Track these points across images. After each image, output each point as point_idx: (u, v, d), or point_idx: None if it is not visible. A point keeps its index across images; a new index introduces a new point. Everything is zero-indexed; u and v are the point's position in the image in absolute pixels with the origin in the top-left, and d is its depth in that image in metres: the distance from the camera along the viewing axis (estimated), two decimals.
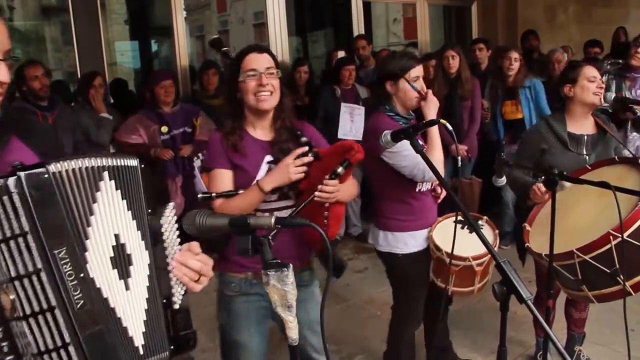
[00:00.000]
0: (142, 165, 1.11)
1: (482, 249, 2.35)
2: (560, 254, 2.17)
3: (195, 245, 1.22)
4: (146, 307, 1.09)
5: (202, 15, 11.02)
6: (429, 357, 2.84)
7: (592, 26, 6.92)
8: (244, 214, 1.07)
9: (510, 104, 4.55)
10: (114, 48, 8.59)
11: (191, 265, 1.18)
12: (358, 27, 6.59)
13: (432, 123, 1.99)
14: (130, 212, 1.08)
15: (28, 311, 0.94)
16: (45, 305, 0.95)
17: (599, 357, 3.00)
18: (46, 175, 0.95)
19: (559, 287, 2.47)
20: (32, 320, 0.94)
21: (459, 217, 2.44)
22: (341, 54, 5.51)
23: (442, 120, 1.77)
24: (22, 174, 0.93)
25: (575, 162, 2.58)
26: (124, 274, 1.06)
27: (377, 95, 2.52)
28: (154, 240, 1.12)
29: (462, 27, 7.87)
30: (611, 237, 2.04)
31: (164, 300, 1.14)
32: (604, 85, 2.68)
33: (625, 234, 2.02)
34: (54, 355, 0.95)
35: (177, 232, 1.17)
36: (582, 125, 2.69)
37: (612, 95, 2.86)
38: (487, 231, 2.56)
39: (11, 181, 0.92)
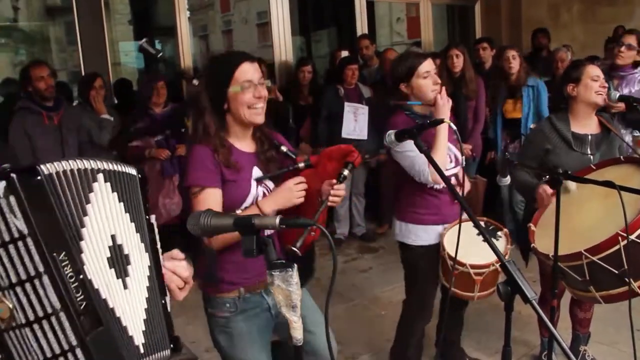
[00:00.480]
0: (140, 176, 1.11)
1: (485, 260, 2.38)
2: (568, 255, 2.16)
3: (177, 252, 1.23)
4: (146, 307, 1.09)
5: (205, 15, 11.03)
6: (436, 346, 2.86)
7: (596, 25, 6.90)
8: (249, 214, 1.07)
9: (511, 103, 4.53)
10: (117, 48, 8.61)
11: (179, 273, 1.20)
12: (361, 26, 6.58)
13: (436, 123, 1.99)
14: (128, 214, 1.08)
15: (32, 317, 0.92)
16: (49, 310, 0.93)
17: (604, 356, 3.00)
18: (39, 177, 0.94)
19: (564, 287, 2.46)
20: (36, 326, 0.92)
21: (481, 223, 2.49)
22: (344, 53, 5.51)
23: (447, 120, 1.78)
24: (14, 175, 0.91)
25: (580, 161, 2.57)
26: (122, 274, 1.05)
27: (394, 99, 2.52)
28: (153, 243, 1.12)
29: (465, 27, 7.85)
30: (620, 238, 2.03)
31: (163, 302, 1.14)
32: (607, 85, 2.66)
33: (634, 235, 2.02)
34: None
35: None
36: (586, 125, 2.68)
37: (616, 94, 2.84)
38: (501, 243, 2.54)
39: (3, 184, 0.90)
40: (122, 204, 1.06)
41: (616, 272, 2.06)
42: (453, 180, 2.52)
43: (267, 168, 1.90)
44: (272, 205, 1.78)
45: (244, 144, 1.90)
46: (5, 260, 0.91)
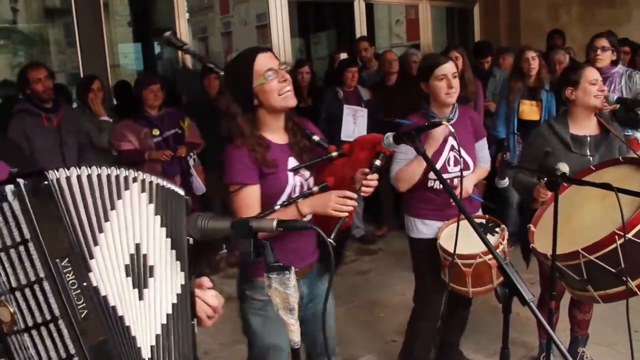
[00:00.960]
0: (187, 197, 1.12)
1: (471, 251, 2.39)
2: (565, 254, 2.17)
3: (205, 280, 1.22)
4: (164, 322, 1.06)
5: (205, 17, 11.03)
6: (435, 347, 2.87)
7: (595, 27, 6.89)
8: (246, 217, 1.07)
9: (529, 104, 4.48)
10: (117, 50, 8.61)
11: (208, 301, 1.19)
12: (360, 28, 6.59)
13: (434, 125, 2.00)
14: (164, 229, 1.07)
15: (30, 323, 0.90)
16: (48, 316, 0.91)
17: (602, 358, 3.00)
18: (46, 182, 0.93)
19: (563, 288, 2.47)
20: (34, 332, 0.91)
21: (480, 221, 2.59)
22: (343, 55, 5.51)
23: (444, 122, 1.78)
24: (20, 180, 0.90)
25: (579, 163, 2.58)
26: (140, 284, 1.03)
27: (411, 92, 2.66)
28: (190, 265, 1.11)
29: (464, 29, 7.87)
30: (616, 237, 2.04)
31: (193, 322, 1.12)
32: (605, 88, 2.67)
33: (630, 234, 2.03)
34: None
35: None
36: (584, 127, 2.69)
37: (614, 96, 2.85)
38: (495, 238, 2.54)
39: (10, 188, 0.90)
40: (158, 217, 1.06)
41: (613, 271, 2.07)
42: (456, 182, 2.54)
43: (301, 158, 1.95)
44: (309, 208, 1.83)
45: (278, 136, 1.95)
46: (7, 264, 0.90)
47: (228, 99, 1.89)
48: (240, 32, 10.85)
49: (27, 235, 0.90)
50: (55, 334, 0.91)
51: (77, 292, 0.93)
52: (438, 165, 2.50)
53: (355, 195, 1.78)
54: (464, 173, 2.56)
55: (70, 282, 0.92)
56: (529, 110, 4.50)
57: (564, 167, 2.24)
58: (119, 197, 1.01)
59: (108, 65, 5.16)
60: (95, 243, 0.97)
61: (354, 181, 1.89)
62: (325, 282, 2.10)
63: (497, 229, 2.58)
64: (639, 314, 3.07)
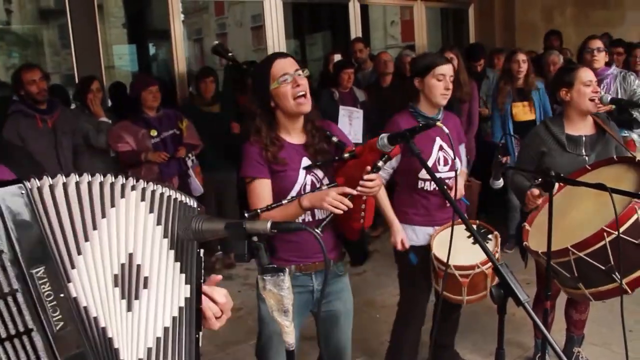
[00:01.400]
0: (200, 209, 1.10)
1: (469, 262, 2.39)
2: (555, 251, 2.19)
3: (216, 276, 1.20)
4: (159, 335, 1.04)
5: (200, 18, 11.01)
6: (429, 352, 2.88)
7: (588, 28, 6.94)
8: (240, 219, 1.07)
9: (521, 106, 4.53)
10: (111, 51, 8.58)
11: (217, 299, 1.16)
12: (355, 29, 6.60)
13: (429, 126, 1.99)
14: (167, 240, 1.05)
15: (4, 335, 0.88)
16: (21, 328, 0.88)
17: (597, 357, 3.01)
18: (23, 192, 0.90)
19: (559, 288, 2.48)
20: (7, 344, 0.88)
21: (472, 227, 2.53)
22: (337, 57, 5.51)
23: (439, 123, 1.79)
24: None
25: (574, 163, 2.60)
26: (130, 295, 1.00)
27: (406, 92, 2.61)
28: (198, 278, 1.09)
29: (459, 30, 7.89)
30: (605, 234, 2.05)
31: (197, 336, 1.09)
32: (599, 89, 2.69)
33: (619, 231, 2.03)
34: None
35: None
36: (580, 127, 2.70)
37: (608, 97, 2.86)
38: (490, 246, 2.55)
39: None
40: (160, 227, 1.04)
41: (603, 268, 2.08)
42: (449, 183, 2.54)
43: (315, 158, 2.04)
44: (308, 202, 1.90)
45: (294, 137, 2.06)
46: None
47: (251, 99, 2.08)
48: (236, 34, 10.84)
49: (2, 247, 0.87)
50: (28, 347, 0.89)
51: (52, 303, 0.90)
52: (430, 163, 2.50)
53: (354, 192, 1.83)
54: (450, 173, 2.57)
55: (46, 293, 0.90)
56: (522, 112, 4.54)
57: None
58: (112, 205, 0.98)
59: (103, 66, 5.14)
60: (79, 252, 0.95)
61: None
62: (344, 280, 2.18)
63: (490, 236, 2.58)
64: (634, 314, 3.09)
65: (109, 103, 5.06)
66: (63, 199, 0.95)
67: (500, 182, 2.58)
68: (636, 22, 7.06)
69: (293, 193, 2.00)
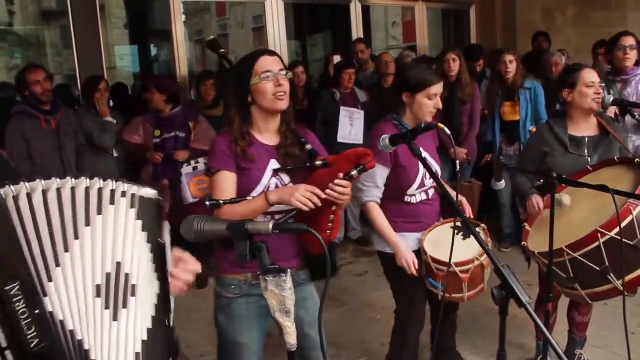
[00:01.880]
0: (161, 198, 1.04)
1: (467, 256, 2.38)
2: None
3: (179, 251, 1.16)
4: (145, 339, 1.01)
5: (201, 19, 11.03)
6: (432, 356, 2.85)
7: (590, 29, 6.93)
8: (242, 220, 1.06)
9: (509, 105, 4.56)
10: (113, 52, 8.60)
11: (185, 279, 1.13)
12: (357, 30, 6.59)
13: (430, 127, 1.99)
14: (150, 245, 1.01)
15: None
16: None
17: None
18: None
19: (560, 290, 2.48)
20: None
21: (458, 223, 2.50)
22: (337, 58, 5.50)
23: (440, 125, 1.78)
24: None
25: (576, 163, 2.60)
26: (116, 304, 0.97)
27: (389, 102, 2.50)
28: (163, 268, 1.05)
29: (460, 31, 7.88)
30: (599, 235, 2.05)
31: (167, 320, 1.06)
32: (601, 90, 2.68)
33: (614, 232, 2.03)
34: None
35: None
36: (583, 128, 2.70)
37: (610, 98, 2.85)
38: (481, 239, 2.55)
39: None
40: (145, 233, 1.00)
41: (598, 269, 2.08)
42: (431, 195, 2.55)
43: (285, 162, 1.99)
44: (275, 197, 1.85)
45: (267, 137, 2.01)
46: None
47: (229, 90, 2.01)
48: (237, 35, 10.86)
49: None
50: None
51: (27, 321, 0.87)
52: (417, 181, 2.46)
53: (322, 194, 1.78)
54: (434, 183, 2.52)
55: (21, 311, 0.87)
56: (510, 112, 4.58)
57: (566, 200, 2.28)
58: (99, 213, 0.94)
59: (104, 67, 5.15)
60: (57, 264, 0.91)
61: None
62: (307, 288, 2.11)
63: (478, 229, 2.58)
64: (636, 317, 3.08)
65: (111, 103, 5.07)
66: (42, 207, 0.90)
67: (502, 183, 2.57)
68: (638, 24, 7.05)
69: (254, 194, 1.94)
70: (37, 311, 0.88)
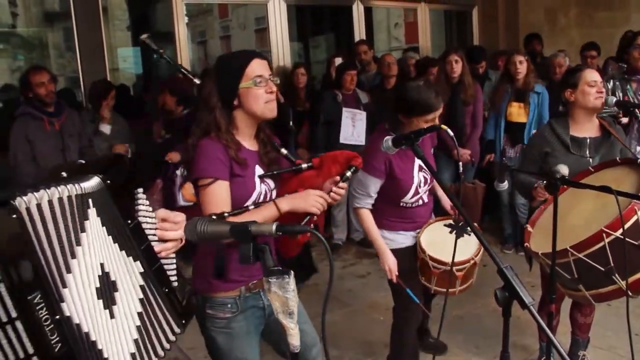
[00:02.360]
0: (108, 181, 1.04)
1: (465, 256, 2.45)
2: (555, 252, 2.18)
3: (162, 211, 1.20)
4: (135, 337, 1.05)
5: (204, 21, 11.04)
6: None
7: (593, 30, 6.93)
8: (245, 221, 1.07)
9: (517, 106, 4.54)
10: (116, 54, 8.61)
11: (173, 236, 1.16)
12: (359, 32, 6.60)
13: (434, 128, 2.00)
14: (111, 237, 1.04)
15: None
16: (22, 355, 0.88)
17: None
18: (15, 215, 0.87)
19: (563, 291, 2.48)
20: None
21: (449, 222, 2.61)
22: (338, 60, 5.51)
23: (443, 126, 1.79)
24: None
25: (577, 164, 2.60)
26: (109, 303, 1.01)
27: (389, 120, 2.52)
28: (140, 247, 1.08)
29: (463, 32, 7.88)
30: (604, 235, 2.04)
31: (165, 290, 1.10)
32: (604, 90, 2.68)
33: (618, 232, 2.03)
34: None
35: (151, 209, 1.15)
36: (585, 129, 2.70)
37: (613, 99, 2.85)
38: (473, 238, 2.56)
39: None
40: (105, 227, 1.02)
41: (602, 269, 2.07)
42: (426, 199, 2.61)
43: (268, 168, 1.93)
44: (288, 205, 1.78)
45: (249, 143, 1.91)
46: None
47: (211, 89, 1.84)
48: (239, 36, 10.87)
49: None
50: None
51: (50, 327, 0.91)
52: (411, 190, 2.52)
53: (329, 198, 1.81)
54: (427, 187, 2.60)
55: (44, 317, 0.90)
56: (517, 113, 4.55)
57: (563, 169, 2.24)
58: (86, 218, 0.97)
59: (107, 69, 5.16)
60: (68, 270, 0.94)
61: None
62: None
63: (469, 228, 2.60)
64: None
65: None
66: (49, 215, 0.92)
67: (505, 184, 2.58)
68: None
69: (249, 202, 1.84)
70: (57, 317, 0.92)
